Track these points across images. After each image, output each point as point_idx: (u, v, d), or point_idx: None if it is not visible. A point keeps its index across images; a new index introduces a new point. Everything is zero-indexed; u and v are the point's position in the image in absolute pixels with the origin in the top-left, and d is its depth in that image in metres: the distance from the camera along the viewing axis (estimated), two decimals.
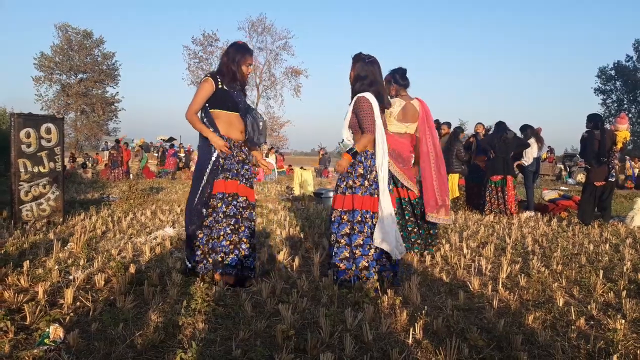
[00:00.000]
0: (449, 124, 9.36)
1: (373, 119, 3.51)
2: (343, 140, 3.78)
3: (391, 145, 4.39)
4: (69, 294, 3.03)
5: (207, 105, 3.59)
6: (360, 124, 3.54)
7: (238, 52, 3.69)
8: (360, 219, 3.53)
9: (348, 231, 3.54)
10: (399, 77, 4.52)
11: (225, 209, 3.53)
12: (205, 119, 3.61)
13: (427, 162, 4.68)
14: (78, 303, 3.01)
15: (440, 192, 4.66)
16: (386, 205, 3.55)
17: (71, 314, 2.82)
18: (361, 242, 3.52)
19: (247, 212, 3.64)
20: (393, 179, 4.42)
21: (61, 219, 6.16)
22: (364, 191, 3.55)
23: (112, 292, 3.23)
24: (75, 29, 36.37)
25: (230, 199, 3.55)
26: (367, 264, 3.49)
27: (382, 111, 3.68)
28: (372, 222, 3.54)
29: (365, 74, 3.60)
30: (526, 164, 8.80)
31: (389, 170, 4.33)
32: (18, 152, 5.86)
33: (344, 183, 3.61)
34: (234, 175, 3.59)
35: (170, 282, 3.36)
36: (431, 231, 4.75)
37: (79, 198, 9.26)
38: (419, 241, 4.60)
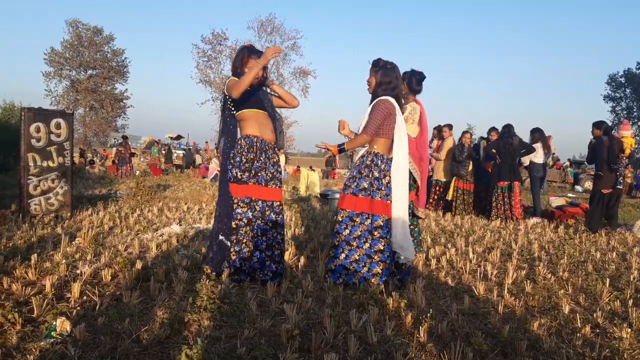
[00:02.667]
0: (450, 126, 9.33)
1: (379, 123, 3.51)
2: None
3: (412, 151, 4.43)
4: (76, 288, 3.05)
5: (232, 109, 3.57)
6: (366, 124, 3.54)
7: (254, 53, 3.65)
8: (381, 223, 3.52)
9: (360, 234, 3.53)
10: (415, 82, 4.45)
11: (257, 215, 3.55)
12: (230, 126, 3.62)
13: (425, 163, 4.73)
14: (85, 297, 3.04)
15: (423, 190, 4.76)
16: (405, 211, 3.58)
17: (78, 308, 2.84)
18: (382, 248, 3.50)
19: (280, 217, 3.66)
20: (409, 183, 4.42)
21: (69, 214, 6.20)
22: (381, 195, 3.54)
23: (119, 287, 3.25)
24: (86, 25, 36.68)
25: (261, 205, 3.56)
26: (380, 271, 3.49)
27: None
28: (389, 228, 3.54)
29: (389, 80, 3.60)
30: (535, 160, 8.78)
31: (411, 172, 4.36)
32: (28, 146, 5.91)
33: (355, 184, 3.59)
34: (267, 180, 3.59)
35: (176, 279, 3.38)
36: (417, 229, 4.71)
37: (86, 193, 9.32)
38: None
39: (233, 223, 3.51)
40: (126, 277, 3.36)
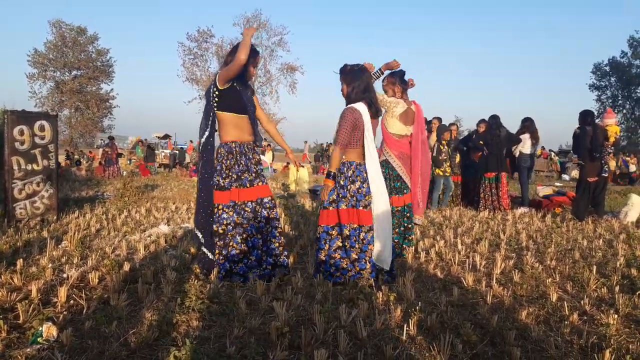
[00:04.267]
0: (439, 119, 9.34)
1: (347, 132, 3.47)
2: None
3: (397, 148, 4.44)
4: (62, 292, 3.01)
5: (214, 106, 3.55)
6: (336, 136, 3.52)
7: (252, 52, 3.62)
8: (348, 233, 3.51)
9: (340, 244, 3.54)
10: (399, 79, 4.52)
11: (244, 216, 3.57)
12: (210, 122, 3.60)
13: (427, 168, 4.77)
14: (72, 301, 3.00)
15: (424, 195, 4.84)
16: (383, 217, 3.56)
17: (64, 313, 2.81)
18: (356, 257, 3.51)
19: (273, 211, 3.69)
20: (399, 186, 4.44)
21: (55, 217, 6.13)
22: (346, 203, 3.53)
23: (106, 290, 3.22)
24: (69, 25, 36.16)
25: (251, 205, 3.60)
26: (369, 269, 3.50)
27: (375, 116, 3.69)
28: (361, 235, 3.52)
29: (358, 83, 3.59)
30: (523, 150, 8.86)
31: (400, 174, 4.36)
32: (12, 150, 5.83)
33: (330, 198, 3.58)
34: (252, 180, 3.62)
35: (165, 280, 3.36)
36: (409, 226, 4.70)
37: (73, 196, 9.21)
38: (402, 243, 4.58)
39: (220, 228, 3.52)
40: (114, 279, 3.33)
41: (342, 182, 3.56)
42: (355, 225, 3.52)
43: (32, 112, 6.42)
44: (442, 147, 8.50)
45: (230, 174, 3.56)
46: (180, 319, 2.72)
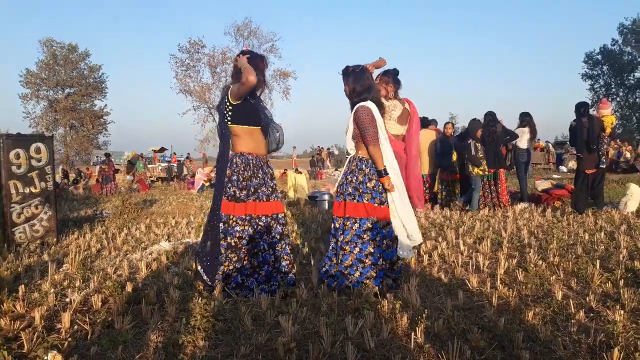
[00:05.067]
0: (423, 120, 9.36)
1: (376, 129, 3.53)
2: (347, 151, 3.78)
3: (394, 149, 4.46)
4: (66, 317, 3.00)
5: (228, 118, 3.53)
6: (363, 136, 3.54)
7: (262, 60, 3.67)
8: (370, 226, 3.54)
9: (350, 239, 3.55)
10: (392, 78, 4.56)
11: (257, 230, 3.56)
12: (223, 135, 3.60)
13: (416, 162, 4.77)
14: (76, 327, 2.99)
15: (420, 190, 4.97)
16: (403, 212, 3.65)
17: (69, 339, 2.79)
18: (372, 251, 3.53)
19: (285, 228, 3.71)
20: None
21: (55, 239, 6.11)
22: (368, 199, 3.56)
23: (110, 313, 3.20)
24: (60, 43, 36.18)
25: (266, 220, 3.59)
26: (375, 274, 3.51)
27: (383, 115, 3.73)
28: (380, 231, 3.56)
29: (361, 83, 3.62)
30: (520, 145, 8.86)
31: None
32: (8, 174, 5.81)
33: (343, 189, 3.64)
34: (269, 195, 3.62)
35: (168, 299, 3.34)
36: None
37: (72, 216, 9.19)
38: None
39: (232, 241, 3.49)
40: (117, 301, 3.31)
41: (360, 179, 3.59)
42: (375, 219, 3.55)
43: (27, 135, 6.41)
44: (478, 145, 7.99)
45: (248, 186, 3.53)
46: (186, 339, 2.70)
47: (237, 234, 3.49)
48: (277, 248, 3.61)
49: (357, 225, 3.54)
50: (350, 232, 3.54)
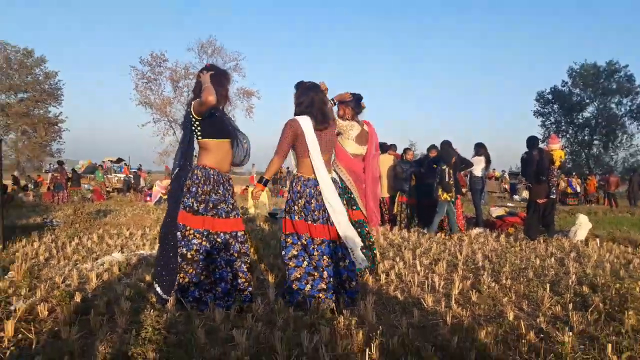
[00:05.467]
0: (386, 146, 9.55)
1: (286, 143, 3.63)
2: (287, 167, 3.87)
3: (350, 166, 4.60)
4: (9, 326, 2.85)
5: (198, 133, 3.50)
6: (277, 146, 3.65)
7: (225, 76, 3.68)
8: (305, 242, 3.59)
9: (296, 253, 3.58)
10: (354, 103, 4.65)
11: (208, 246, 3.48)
12: (188, 151, 3.59)
13: (375, 182, 4.87)
14: (20, 335, 2.84)
15: (377, 210, 5.01)
16: (344, 225, 3.64)
17: (12, 348, 2.66)
18: (315, 265, 3.54)
19: (244, 246, 3.65)
20: (348, 199, 4.48)
21: (1, 246, 5.81)
22: (297, 216, 3.63)
23: (56, 323, 3.06)
24: (15, 47, 35.08)
25: (223, 237, 3.53)
26: (325, 286, 3.51)
27: (319, 130, 3.69)
28: (318, 247, 3.59)
29: (301, 100, 3.72)
30: (475, 173, 9.12)
31: (348, 187, 4.44)
32: None
33: (288, 207, 3.72)
34: (229, 212, 3.58)
35: (119, 310, 3.22)
36: (367, 243, 4.74)
37: (20, 223, 8.78)
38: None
39: (189, 253, 3.41)
40: (64, 311, 3.18)
41: (291, 196, 3.69)
42: (309, 237, 3.60)
43: None
44: (450, 172, 8.02)
45: (206, 200, 3.47)
46: (135, 351, 2.60)
47: (194, 247, 3.42)
48: (235, 266, 3.54)
49: (301, 241, 3.61)
50: (294, 248, 3.60)
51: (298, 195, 3.65)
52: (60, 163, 18.47)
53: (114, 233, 7.43)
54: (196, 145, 3.63)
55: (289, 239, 3.62)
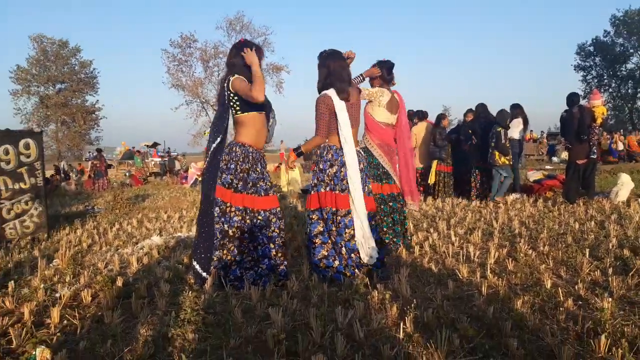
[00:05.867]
0: (419, 115, 9.28)
1: (325, 121, 3.55)
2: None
3: (381, 137, 4.44)
4: (55, 313, 2.98)
5: (236, 109, 3.49)
6: (316, 125, 3.60)
7: (260, 51, 3.63)
8: (326, 216, 3.57)
9: (321, 229, 3.57)
10: (386, 71, 4.49)
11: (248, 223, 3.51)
12: (224, 127, 3.56)
13: (410, 153, 4.74)
14: (65, 322, 2.97)
15: (413, 183, 4.84)
16: (359, 204, 3.56)
17: (58, 334, 2.78)
18: (334, 241, 3.56)
19: (282, 222, 3.67)
20: (378, 174, 4.42)
21: (46, 235, 6.08)
22: (325, 187, 3.59)
23: (100, 308, 3.19)
24: (51, 39, 35.93)
25: (264, 214, 3.56)
26: (349, 262, 3.53)
27: (346, 100, 3.60)
28: (339, 219, 3.55)
29: (321, 71, 3.66)
30: (513, 136, 8.86)
31: (380, 163, 4.37)
32: None
33: (312, 182, 3.69)
34: (267, 189, 3.59)
35: (159, 293, 3.33)
36: (404, 224, 4.71)
37: (63, 212, 9.14)
38: (394, 239, 4.53)
39: (230, 230, 3.45)
40: (107, 296, 3.30)
41: (321, 166, 3.63)
42: (333, 209, 3.57)
43: (15, 131, 6.35)
44: (505, 133, 7.88)
45: (245, 178, 3.49)
46: (175, 332, 2.69)
47: (235, 224, 3.45)
48: (277, 242, 3.59)
49: (324, 214, 3.59)
50: (319, 224, 3.59)
51: (329, 164, 3.60)
52: (99, 151, 19.02)
53: (152, 217, 7.64)
54: (231, 122, 3.63)
55: (314, 216, 3.61)
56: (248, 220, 3.50)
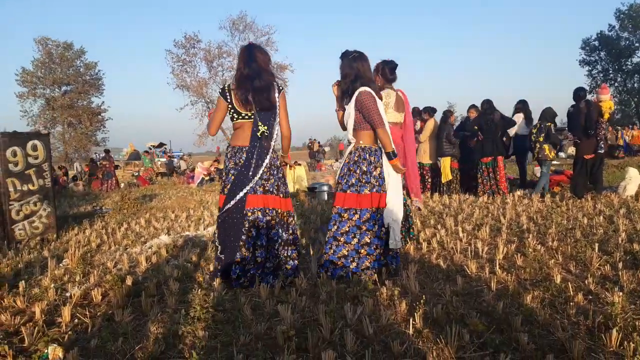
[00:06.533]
0: (429, 111, 9.23)
1: (378, 110, 3.53)
2: (347, 141, 3.76)
3: (396, 138, 4.43)
4: (66, 311, 3.00)
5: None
6: (370, 121, 3.54)
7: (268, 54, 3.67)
8: (369, 216, 3.54)
9: (347, 229, 3.55)
10: (389, 71, 4.47)
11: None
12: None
13: (413, 151, 4.77)
14: (76, 320, 2.99)
15: (417, 180, 4.89)
16: (397, 198, 3.59)
17: (69, 333, 2.80)
18: (368, 241, 3.53)
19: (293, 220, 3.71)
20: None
21: (55, 235, 6.12)
22: (370, 188, 3.56)
23: (110, 307, 3.21)
24: (55, 41, 36.01)
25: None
26: (369, 264, 3.51)
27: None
28: (379, 220, 3.56)
29: (349, 71, 3.60)
30: (519, 132, 8.84)
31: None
32: (6, 172, 5.80)
33: (345, 180, 3.63)
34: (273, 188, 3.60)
35: (168, 291, 3.35)
36: (409, 221, 4.70)
37: (71, 212, 9.19)
38: (404, 237, 4.53)
39: (249, 232, 3.46)
40: (117, 295, 3.32)
41: (364, 168, 3.59)
42: (374, 207, 3.56)
43: (23, 133, 6.39)
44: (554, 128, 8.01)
45: (267, 178, 3.54)
46: (185, 330, 2.70)
47: (252, 224, 3.47)
48: (286, 239, 3.62)
49: (357, 216, 3.55)
50: (348, 223, 3.56)
51: (373, 166, 3.59)
52: (107, 151, 19.11)
53: (160, 216, 7.67)
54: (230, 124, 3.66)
55: (344, 214, 3.57)
56: (268, 218, 3.52)
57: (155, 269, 4.16)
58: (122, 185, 17.45)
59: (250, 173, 3.50)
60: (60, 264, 4.52)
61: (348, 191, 3.59)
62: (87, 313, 3.06)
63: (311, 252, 4.38)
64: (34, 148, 6.06)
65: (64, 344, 2.60)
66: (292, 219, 3.70)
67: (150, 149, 28.53)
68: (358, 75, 3.58)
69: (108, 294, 3.48)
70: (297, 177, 12.04)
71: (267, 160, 3.52)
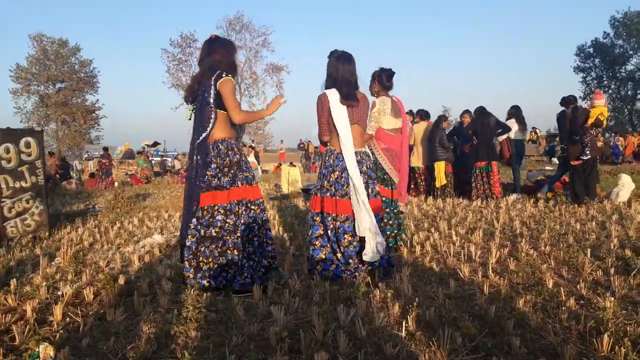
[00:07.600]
0: (421, 114, 9.25)
1: (324, 120, 3.58)
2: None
3: (388, 144, 4.46)
4: (58, 310, 2.99)
5: (211, 107, 3.41)
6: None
7: (235, 48, 3.67)
8: (326, 221, 3.59)
9: (322, 232, 3.59)
10: (385, 78, 4.46)
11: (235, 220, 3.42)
12: (211, 120, 3.44)
13: (406, 156, 4.81)
14: (68, 319, 2.98)
15: (405, 185, 4.94)
16: (364, 202, 3.50)
17: (61, 331, 2.78)
18: (346, 244, 3.55)
19: (265, 214, 3.58)
20: (383, 178, 4.43)
21: (47, 233, 6.07)
22: (325, 192, 3.62)
23: (102, 306, 3.19)
24: (50, 38, 35.81)
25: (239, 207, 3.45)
26: (344, 268, 3.54)
27: (348, 105, 3.57)
28: (338, 224, 3.55)
29: (331, 71, 3.64)
30: (513, 137, 8.88)
31: (384, 168, 4.38)
32: None
33: (316, 184, 3.72)
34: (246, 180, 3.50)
35: (161, 291, 3.34)
36: (399, 222, 4.72)
37: (64, 210, 9.13)
38: (396, 241, 4.51)
39: (213, 231, 3.38)
40: (109, 294, 3.30)
41: (323, 171, 3.65)
42: (333, 214, 3.58)
43: (16, 130, 6.34)
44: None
45: (231, 171, 3.41)
46: (178, 330, 2.70)
47: (218, 224, 3.37)
48: (259, 234, 3.49)
49: (328, 218, 3.59)
50: (320, 227, 3.61)
51: (330, 169, 3.61)
52: (106, 149, 19.05)
53: (153, 216, 7.64)
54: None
55: (317, 218, 3.62)
56: (233, 217, 3.39)
57: (148, 268, 4.14)
58: (115, 184, 17.35)
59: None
60: (52, 262, 4.49)
61: (317, 195, 3.67)
62: (79, 312, 3.04)
63: (305, 253, 4.37)
64: (27, 145, 6.02)
65: (55, 343, 2.59)
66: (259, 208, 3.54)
67: (144, 148, 28.40)
68: (337, 77, 3.60)
69: (100, 293, 3.46)
70: (292, 178, 12.04)
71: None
